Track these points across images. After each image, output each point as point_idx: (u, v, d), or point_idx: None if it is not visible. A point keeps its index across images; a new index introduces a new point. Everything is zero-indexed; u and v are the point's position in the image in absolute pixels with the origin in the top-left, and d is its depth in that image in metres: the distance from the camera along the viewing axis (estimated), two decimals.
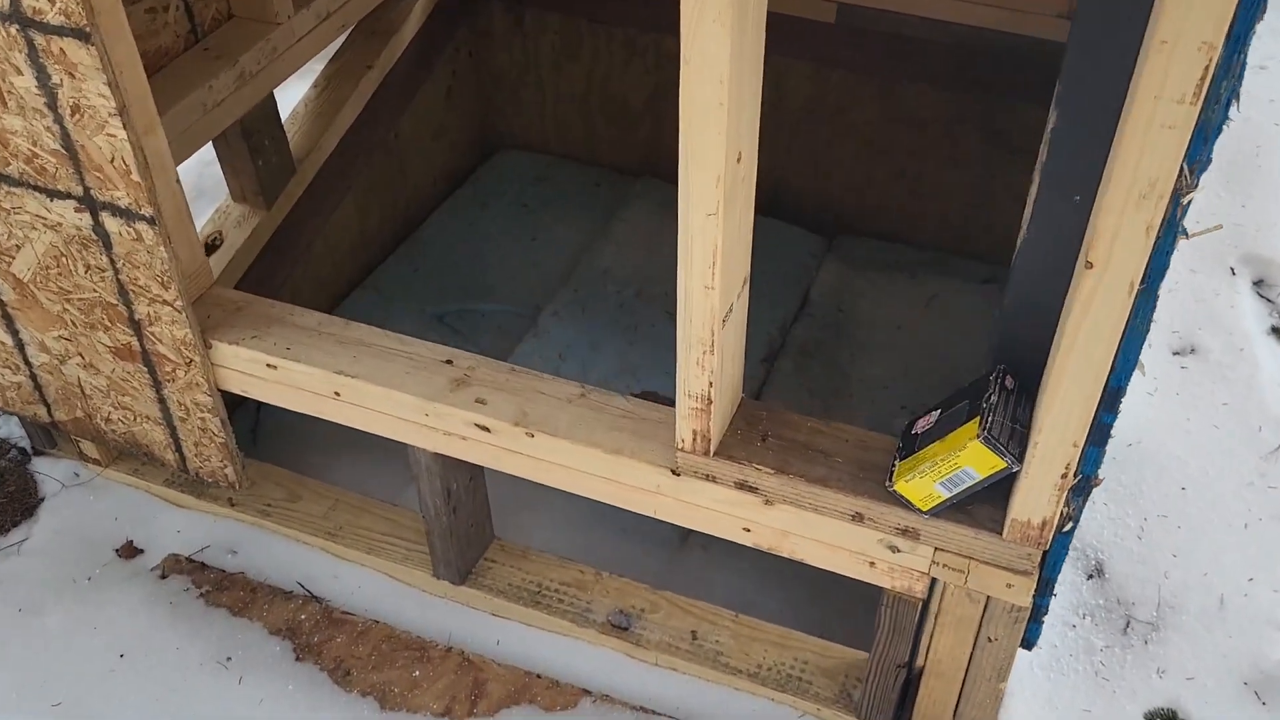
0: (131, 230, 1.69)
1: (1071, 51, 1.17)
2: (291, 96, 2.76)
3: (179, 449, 2.03)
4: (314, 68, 2.80)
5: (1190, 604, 1.95)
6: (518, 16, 3.21)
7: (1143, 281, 1.14)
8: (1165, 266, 1.15)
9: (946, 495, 1.42)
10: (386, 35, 2.86)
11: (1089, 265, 1.14)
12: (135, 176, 1.61)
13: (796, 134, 3.07)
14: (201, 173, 2.68)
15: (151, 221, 1.66)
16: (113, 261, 1.75)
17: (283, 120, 2.60)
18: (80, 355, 1.95)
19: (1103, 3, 1.11)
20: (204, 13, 2.34)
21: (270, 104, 2.49)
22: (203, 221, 2.57)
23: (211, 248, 2.49)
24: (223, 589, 2.00)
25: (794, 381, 2.74)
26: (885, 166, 3.06)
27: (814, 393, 2.74)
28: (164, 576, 2.02)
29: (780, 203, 3.21)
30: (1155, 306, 1.19)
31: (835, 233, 3.20)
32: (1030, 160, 2.97)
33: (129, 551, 2.09)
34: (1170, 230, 1.12)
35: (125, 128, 1.55)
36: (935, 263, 3.11)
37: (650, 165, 3.35)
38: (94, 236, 1.73)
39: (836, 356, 2.85)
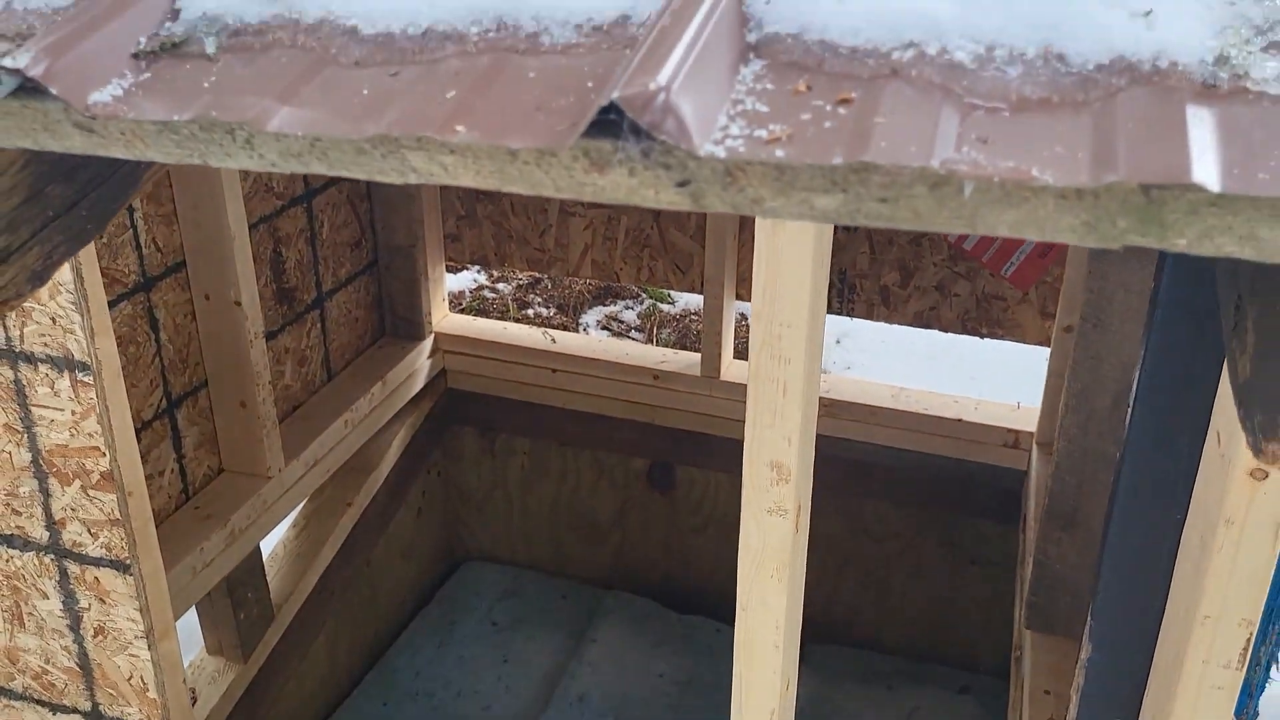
0: None
1: (1103, 595, 1.26)
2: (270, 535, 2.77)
3: None
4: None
5: None
6: (489, 441, 3.33)
7: None
8: None
9: None
10: (366, 471, 2.93)
11: None
12: (152, 694, 1.57)
13: None
14: None
15: None
16: None
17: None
18: None
19: (1133, 560, 1.20)
20: (196, 471, 2.39)
21: (255, 556, 2.49)
22: None
23: None
24: None
25: None
26: (852, 577, 3.14)
27: None
28: None
29: None
30: None
31: (806, 642, 3.21)
32: (990, 570, 3.08)
33: None
34: None
35: (150, 648, 1.54)
36: (909, 672, 3.12)
37: (617, 576, 3.39)
38: None
39: None
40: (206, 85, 0.56)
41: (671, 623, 3.24)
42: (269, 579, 2.64)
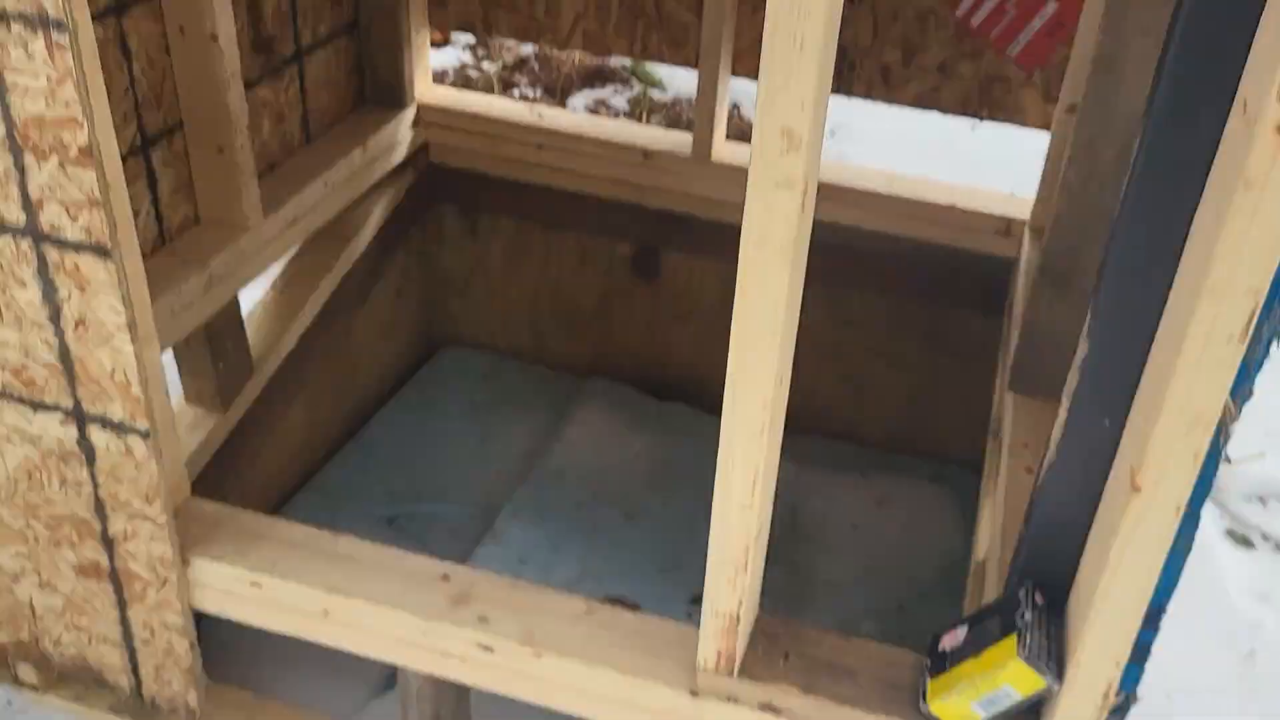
0: (122, 444, 1.61)
1: (1106, 291, 1.24)
2: (248, 296, 2.73)
3: (135, 673, 1.89)
4: (271, 268, 2.78)
5: None
6: (471, 221, 3.27)
7: (1187, 504, 1.18)
8: (1207, 491, 1.20)
9: (983, 715, 1.41)
10: (345, 239, 2.88)
11: (1136, 489, 1.18)
12: (135, 391, 1.55)
13: None
14: None
15: (145, 435, 1.60)
16: (93, 476, 1.67)
17: None
18: (38, 574, 1.82)
19: (1138, 247, 1.19)
20: (172, 217, 2.33)
21: (234, 306, 2.46)
22: None
23: None
24: None
25: None
26: (832, 369, 3.16)
27: (777, 598, 2.71)
28: None
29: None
30: (1197, 527, 1.23)
31: (784, 433, 3.25)
32: (969, 364, 3.10)
33: None
34: (1214, 456, 1.17)
35: (133, 341, 1.51)
36: (883, 462, 3.17)
37: (598, 364, 3.39)
38: (76, 450, 1.65)
39: (795, 558, 2.85)
40: None
41: (650, 408, 3.27)
42: (248, 334, 2.61)
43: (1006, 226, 2.76)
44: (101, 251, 1.43)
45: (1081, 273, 1.92)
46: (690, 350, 3.25)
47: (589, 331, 3.35)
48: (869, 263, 2.93)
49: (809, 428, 3.24)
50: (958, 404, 3.10)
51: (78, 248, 1.44)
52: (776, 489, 3.03)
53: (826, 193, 2.87)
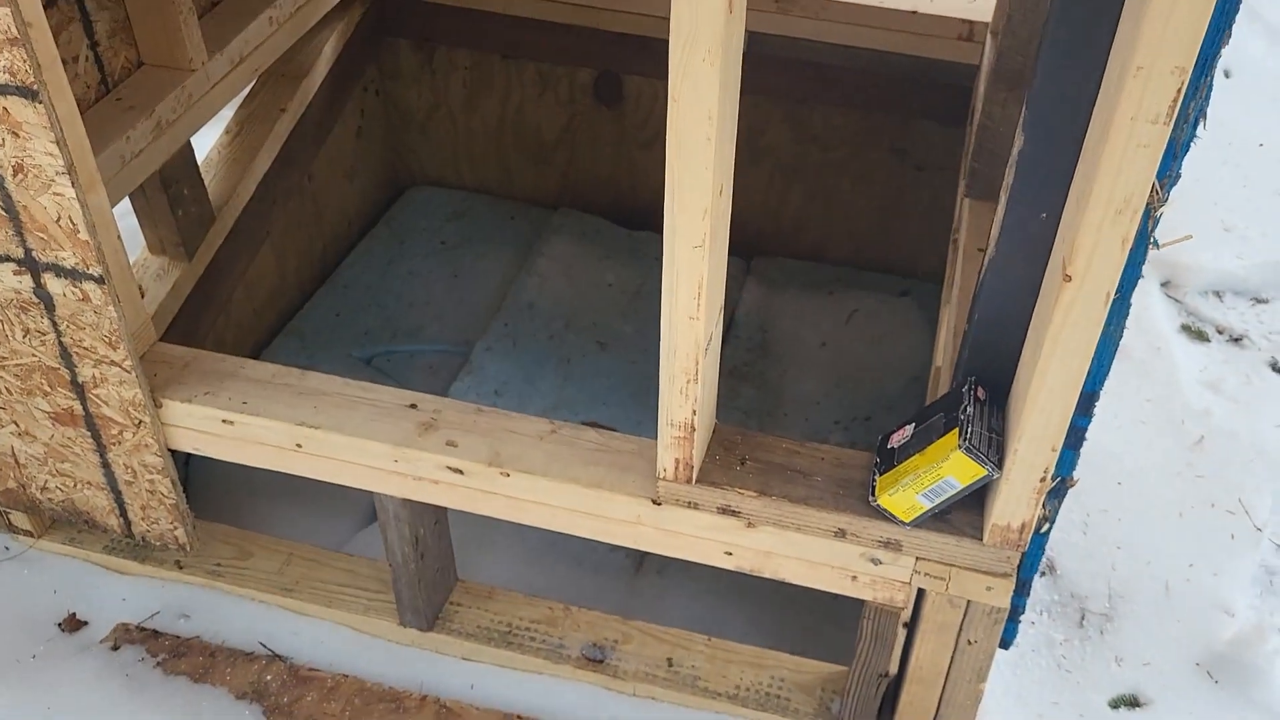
0: (78, 291, 1.62)
1: (1039, 81, 1.24)
2: (203, 144, 2.69)
3: (124, 513, 1.95)
4: (224, 114, 2.74)
5: (1138, 593, 2.06)
6: (427, 55, 3.19)
7: (1117, 291, 1.21)
8: (1137, 276, 1.22)
9: (928, 505, 1.47)
10: (297, 78, 2.82)
11: (1067, 278, 1.21)
12: (83, 235, 1.55)
13: None
14: None
15: (100, 280, 1.61)
16: (55, 324, 1.68)
17: None
18: (15, 423, 1.86)
19: (1069, 36, 1.17)
20: (113, 62, 2.27)
21: (188, 153, 2.43)
22: None
23: None
24: (180, 655, 1.92)
25: (728, 404, 2.79)
26: (798, 188, 3.15)
27: (749, 414, 2.79)
28: (115, 648, 1.94)
29: None
30: (1128, 314, 1.26)
31: (752, 255, 3.26)
32: (933, 175, 3.10)
33: (72, 624, 2.00)
34: (1142, 242, 1.19)
35: (73, 185, 1.50)
36: (851, 279, 3.20)
37: (566, 196, 3.37)
38: (35, 299, 1.66)
39: (766, 376, 2.90)
40: None
41: (621, 238, 3.27)
42: (206, 183, 2.59)
43: (969, 30, 2.70)
44: (28, 93, 1.41)
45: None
46: (658, 175, 3.20)
47: (555, 162, 3.31)
48: (830, 76, 2.88)
49: (777, 249, 3.25)
50: (925, 218, 3.11)
51: (3, 90, 1.41)
52: (747, 312, 3.07)
53: (787, 4, 2.81)
